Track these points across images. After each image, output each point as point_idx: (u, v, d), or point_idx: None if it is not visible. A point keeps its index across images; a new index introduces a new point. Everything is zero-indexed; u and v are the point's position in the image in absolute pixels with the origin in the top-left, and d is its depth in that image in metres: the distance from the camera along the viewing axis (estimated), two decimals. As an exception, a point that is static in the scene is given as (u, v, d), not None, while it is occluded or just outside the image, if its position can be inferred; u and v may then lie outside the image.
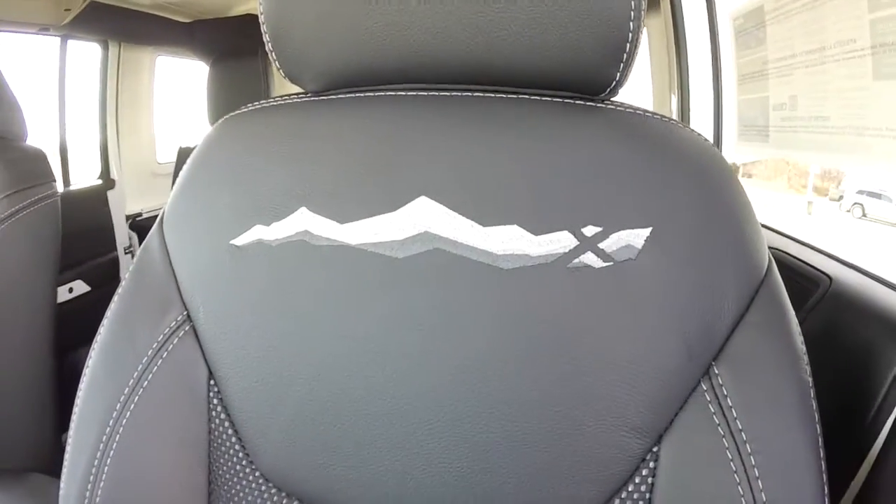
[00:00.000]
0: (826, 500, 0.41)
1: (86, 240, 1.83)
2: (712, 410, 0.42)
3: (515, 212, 0.43)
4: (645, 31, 1.49)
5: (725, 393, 0.42)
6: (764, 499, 0.40)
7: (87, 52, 2.05)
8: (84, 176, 2.11)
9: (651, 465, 0.43)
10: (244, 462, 0.49)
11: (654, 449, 0.43)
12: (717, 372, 0.42)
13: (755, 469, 0.40)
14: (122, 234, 2.07)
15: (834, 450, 0.57)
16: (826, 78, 0.91)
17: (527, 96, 0.47)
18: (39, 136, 1.28)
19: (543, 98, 0.47)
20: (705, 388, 0.42)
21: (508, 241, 0.43)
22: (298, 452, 0.47)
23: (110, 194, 2.06)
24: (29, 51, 1.87)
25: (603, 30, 0.42)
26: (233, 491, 0.49)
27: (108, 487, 0.48)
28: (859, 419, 0.56)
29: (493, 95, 0.47)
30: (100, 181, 2.10)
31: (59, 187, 1.73)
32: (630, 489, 0.43)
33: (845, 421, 0.59)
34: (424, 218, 0.44)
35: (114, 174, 2.12)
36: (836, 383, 0.61)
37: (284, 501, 0.48)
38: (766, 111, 1.09)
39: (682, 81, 1.43)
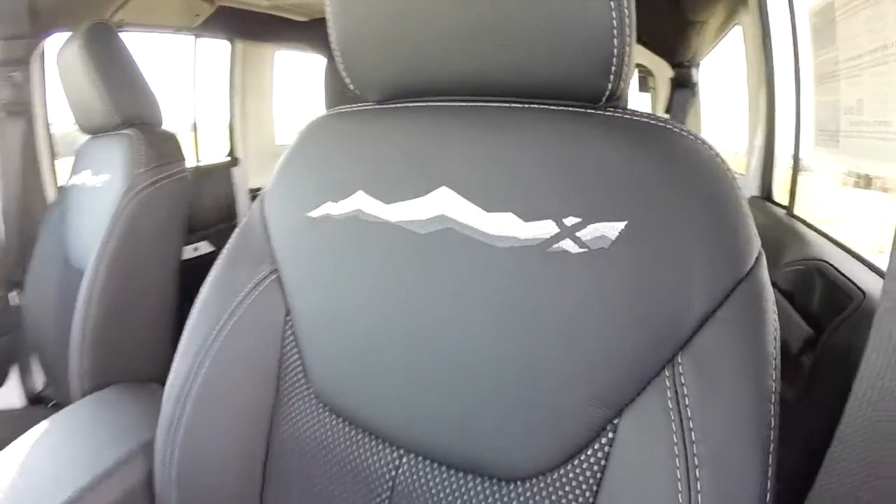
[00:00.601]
0: (768, 498, 0.43)
1: (213, 208, 2.07)
2: (669, 396, 0.45)
3: (511, 201, 0.51)
4: (740, 27, 1.47)
5: (683, 382, 0.45)
6: (699, 487, 0.43)
7: (216, 49, 2.28)
8: (214, 154, 2.36)
9: (610, 435, 0.48)
10: (302, 382, 0.63)
11: (615, 421, 0.47)
12: (680, 361, 0.45)
13: (695, 458, 0.43)
14: (244, 205, 2.30)
15: None
16: (889, 79, 0.87)
17: (535, 105, 0.54)
18: (175, 120, 1.49)
19: (549, 107, 0.53)
20: (667, 375, 0.45)
21: (503, 225, 0.51)
22: (341, 377, 0.60)
23: (235, 171, 2.31)
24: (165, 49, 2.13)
25: (587, 48, 0.48)
26: (291, 403, 0.64)
27: (201, 385, 0.64)
28: None
29: (506, 105, 0.55)
30: (227, 159, 2.34)
31: (193, 163, 2.00)
32: (589, 453, 0.49)
33: None
34: (443, 203, 0.53)
35: (238, 154, 2.35)
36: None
37: (326, 415, 0.62)
38: (837, 115, 1.04)
39: (769, 80, 1.42)
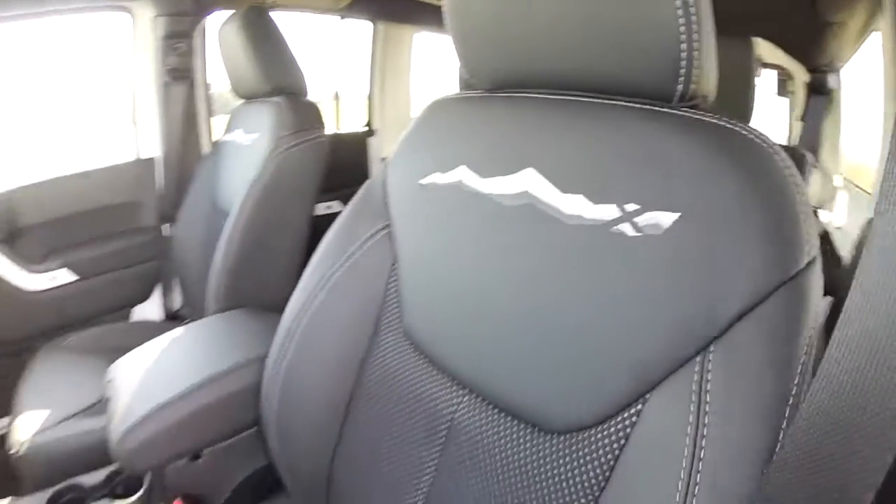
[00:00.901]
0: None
1: (347, 172, 2.24)
2: (695, 380, 0.47)
3: (584, 185, 0.57)
4: (879, 32, 1.39)
5: (710, 369, 0.47)
6: (700, 468, 0.45)
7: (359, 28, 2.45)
8: (353, 124, 2.57)
9: (639, 407, 0.51)
10: (397, 320, 0.74)
11: (646, 396, 0.51)
12: (712, 350, 0.47)
13: (703, 439, 0.46)
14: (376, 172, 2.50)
15: None
16: None
17: (613, 102, 0.59)
18: (319, 92, 1.68)
19: (625, 104, 0.58)
20: (698, 361, 0.48)
21: (575, 205, 0.57)
22: (429, 319, 0.70)
23: (370, 140, 2.50)
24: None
25: (655, 52, 0.53)
26: (384, 337, 0.75)
27: (313, 313, 0.77)
28: None
29: (589, 100, 0.61)
30: (364, 129, 2.53)
31: (333, 131, 2.20)
32: (617, 420, 0.53)
33: None
34: (527, 181, 0.61)
35: (375, 125, 2.52)
36: None
37: (410, 351, 0.73)
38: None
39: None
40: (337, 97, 2.49)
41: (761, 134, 0.51)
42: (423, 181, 0.71)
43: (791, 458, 0.42)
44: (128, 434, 0.97)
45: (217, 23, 1.73)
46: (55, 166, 1.99)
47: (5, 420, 1.39)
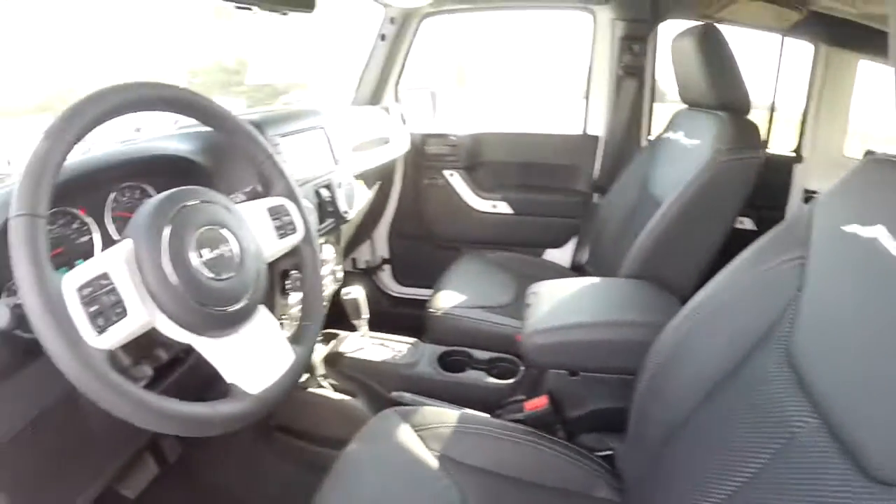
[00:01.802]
0: None
1: (767, 193, 2.26)
2: None
3: None
4: None
5: None
6: None
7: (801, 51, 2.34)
8: (778, 143, 2.51)
9: None
10: (785, 336, 0.78)
11: None
12: None
13: None
14: (795, 199, 2.41)
15: None
16: None
17: None
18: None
19: None
20: None
21: None
22: (812, 346, 0.74)
23: (796, 166, 2.42)
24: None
25: None
26: (769, 344, 0.81)
27: (717, 304, 0.90)
28: None
29: None
30: (792, 154, 2.44)
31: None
32: None
33: None
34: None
35: (804, 152, 2.41)
36: None
37: (784, 364, 0.76)
38: None
39: None
40: (773, 108, 2.45)
41: None
42: (846, 228, 0.75)
43: None
44: (538, 333, 1.30)
45: (669, 30, 1.95)
46: (515, 123, 2.53)
47: (430, 291, 1.96)
